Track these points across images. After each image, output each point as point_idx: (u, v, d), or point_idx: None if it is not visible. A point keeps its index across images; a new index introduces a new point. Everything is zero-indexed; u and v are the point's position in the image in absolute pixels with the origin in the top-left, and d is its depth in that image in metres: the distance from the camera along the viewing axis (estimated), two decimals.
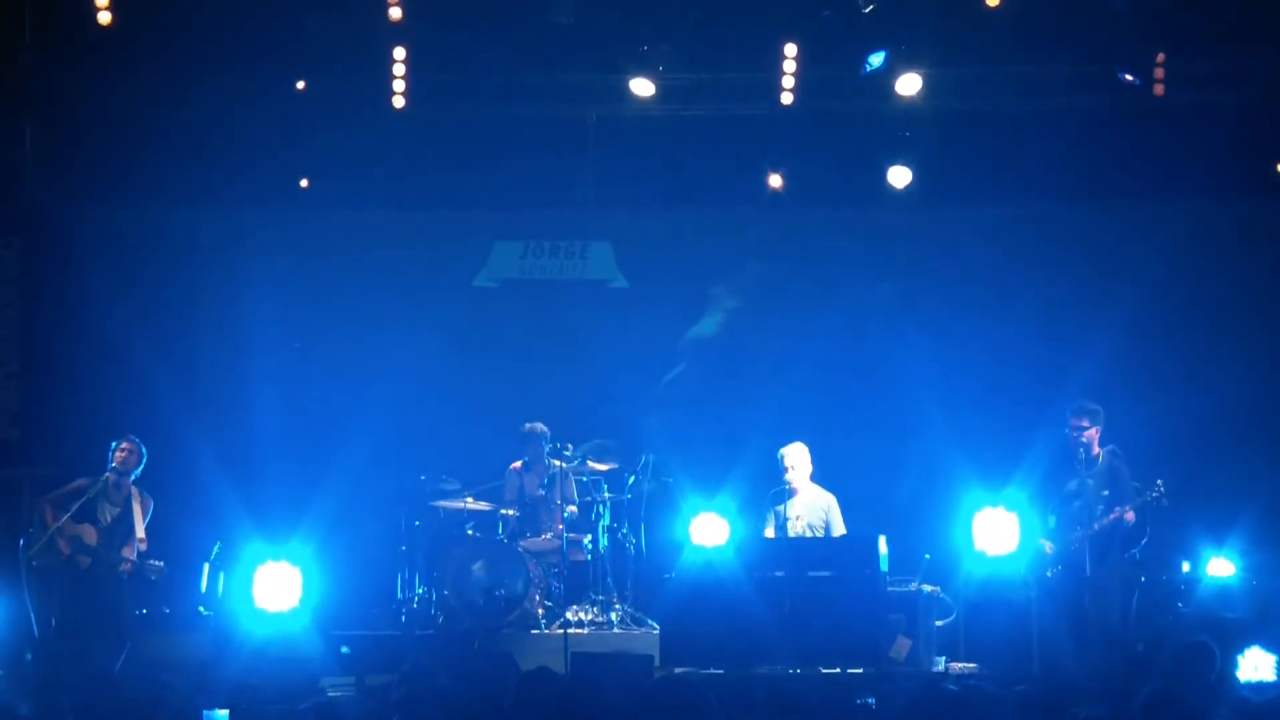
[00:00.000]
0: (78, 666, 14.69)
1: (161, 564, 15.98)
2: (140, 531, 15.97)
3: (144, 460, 16.18)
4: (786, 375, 19.37)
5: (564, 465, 17.85)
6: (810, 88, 18.62)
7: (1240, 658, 12.78)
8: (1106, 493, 15.78)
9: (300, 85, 18.48)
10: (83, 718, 8.88)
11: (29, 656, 15.92)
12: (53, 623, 15.87)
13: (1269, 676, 12.71)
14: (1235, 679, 12.51)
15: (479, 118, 19.40)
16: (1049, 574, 16.04)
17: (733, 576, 15.68)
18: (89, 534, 15.83)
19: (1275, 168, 18.65)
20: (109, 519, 15.93)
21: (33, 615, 15.84)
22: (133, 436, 16.19)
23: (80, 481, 15.96)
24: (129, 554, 15.88)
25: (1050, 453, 16.29)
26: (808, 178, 19.31)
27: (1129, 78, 17.96)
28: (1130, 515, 15.70)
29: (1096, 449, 15.94)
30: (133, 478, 16.13)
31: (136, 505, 16.02)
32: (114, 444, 16.12)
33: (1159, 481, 15.70)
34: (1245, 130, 18.47)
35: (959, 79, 18.75)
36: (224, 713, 9.58)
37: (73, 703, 9.05)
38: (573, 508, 17.67)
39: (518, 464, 18.07)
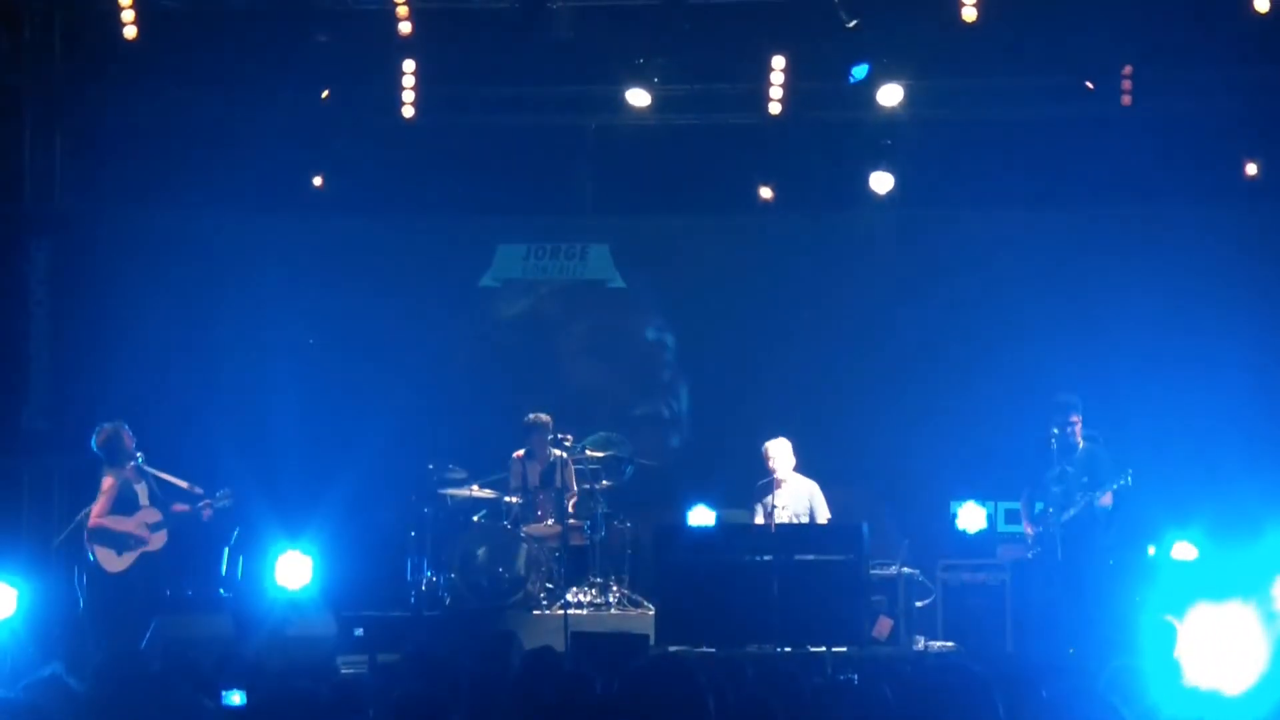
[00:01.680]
0: (106, 646, 14.73)
1: (229, 490, 16.18)
2: (180, 483, 16.06)
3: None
4: (776, 372, 19.72)
5: (564, 454, 18.02)
6: (797, 98, 18.71)
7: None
8: (1086, 479, 16.29)
9: (325, 94, 18.58)
10: (110, 694, 8.83)
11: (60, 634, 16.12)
12: (81, 603, 15.99)
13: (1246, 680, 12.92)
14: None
15: (484, 127, 19.55)
16: (1029, 555, 16.58)
17: (724, 560, 16.03)
18: (151, 515, 15.89)
19: (1243, 173, 18.75)
20: (147, 495, 15.96)
21: (80, 595, 16.00)
22: (112, 421, 16.16)
23: (107, 481, 15.94)
24: (179, 508, 15.95)
25: (1032, 444, 16.70)
26: (795, 183, 19.55)
27: (1089, 85, 18.31)
28: (1107, 499, 16.24)
29: (1079, 438, 16.49)
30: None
31: (150, 470, 16.06)
32: (119, 432, 16.03)
33: (1128, 471, 16.35)
34: (1213, 138, 18.70)
35: (938, 90, 18.91)
36: (240, 694, 9.49)
37: (99, 680, 9.10)
38: (573, 497, 17.87)
39: (520, 452, 18.13)
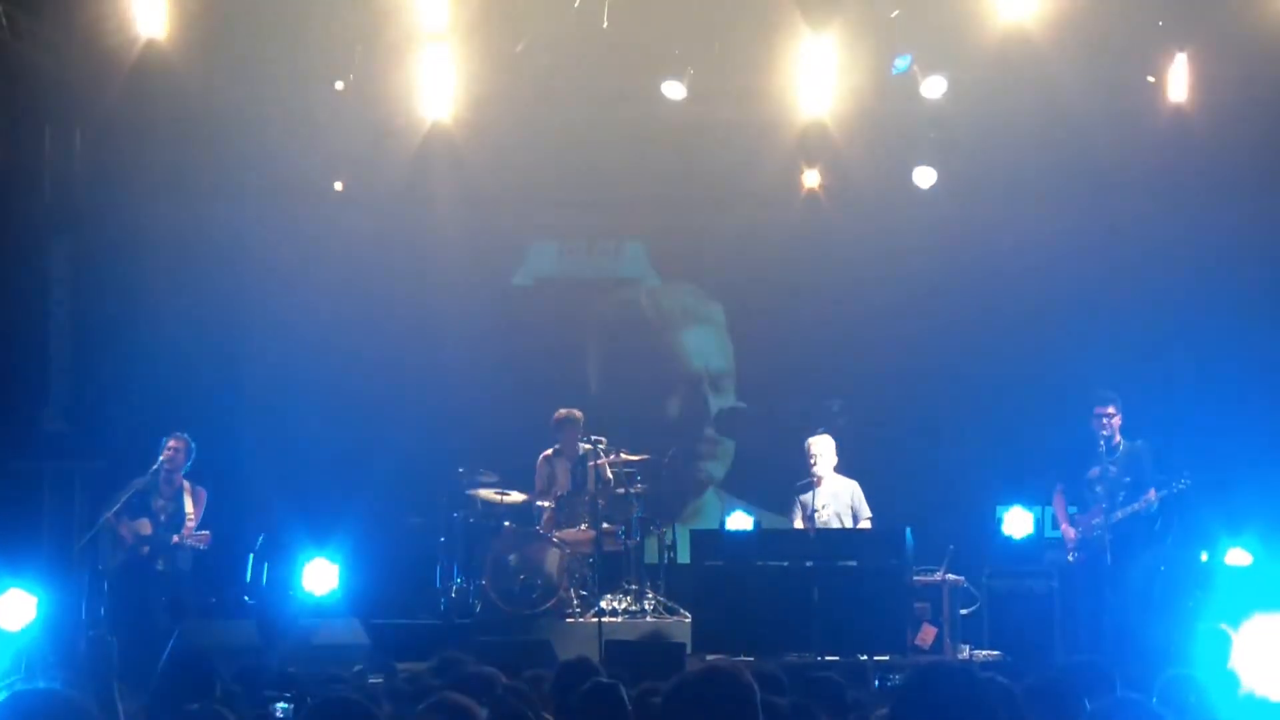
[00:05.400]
0: (128, 653, 14.56)
1: (207, 533, 16.24)
2: (192, 517, 16.22)
3: (193, 455, 16.38)
4: (815, 372, 19.51)
5: (594, 448, 17.74)
6: (838, 91, 18.27)
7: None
8: (1128, 479, 16.02)
9: (339, 85, 18.15)
10: (132, 701, 8.93)
11: (84, 643, 16.00)
12: (102, 611, 16.06)
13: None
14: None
15: (515, 120, 19.15)
16: (1070, 558, 16.31)
17: (763, 566, 15.81)
18: (145, 526, 16.16)
19: None
20: (164, 514, 16.20)
21: (84, 605, 16.11)
22: (182, 433, 16.38)
23: (136, 482, 16.23)
24: (176, 539, 16.14)
25: (1074, 443, 16.44)
26: (836, 178, 19.36)
27: (1150, 79, 17.92)
28: (1152, 495, 15.93)
29: (1118, 437, 16.17)
30: (183, 472, 16.36)
31: (188, 497, 16.25)
32: (163, 440, 16.33)
33: (1184, 475, 16.02)
34: (1268, 132, 18.35)
35: (982, 83, 18.35)
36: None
37: (123, 687, 9.20)
38: (610, 483, 17.66)
39: (549, 452, 17.98)
